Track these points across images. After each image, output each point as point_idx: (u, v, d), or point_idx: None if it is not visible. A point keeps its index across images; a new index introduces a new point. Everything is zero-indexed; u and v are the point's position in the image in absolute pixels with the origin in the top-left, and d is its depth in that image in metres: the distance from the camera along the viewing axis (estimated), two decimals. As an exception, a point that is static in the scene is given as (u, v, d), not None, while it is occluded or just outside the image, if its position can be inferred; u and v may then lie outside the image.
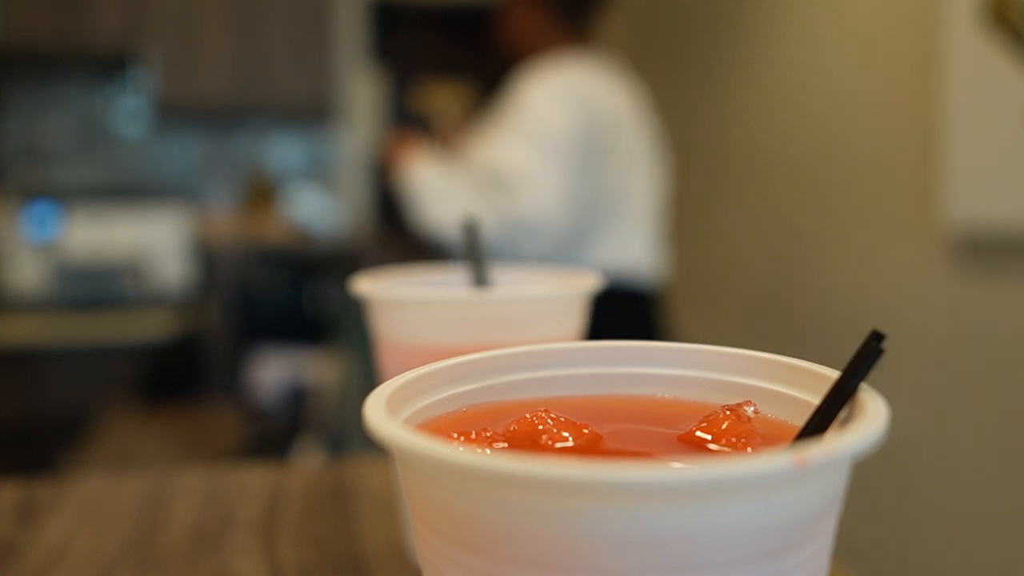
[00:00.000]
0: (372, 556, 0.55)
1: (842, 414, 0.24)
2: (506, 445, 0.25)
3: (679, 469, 0.18)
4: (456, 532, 0.21)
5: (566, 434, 0.26)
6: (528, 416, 0.26)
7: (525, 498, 0.19)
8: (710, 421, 0.26)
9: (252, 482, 0.68)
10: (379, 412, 0.23)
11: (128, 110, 3.52)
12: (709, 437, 0.25)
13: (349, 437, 1.81)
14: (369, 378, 1.58)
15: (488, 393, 0.29)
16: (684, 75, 2.92)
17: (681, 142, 2.95)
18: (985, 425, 1.64)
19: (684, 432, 0.26)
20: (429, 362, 0.28)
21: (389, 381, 0.26)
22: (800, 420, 0.26)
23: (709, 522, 0.19)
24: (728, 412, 0.26)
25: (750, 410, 0.26)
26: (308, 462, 1.78)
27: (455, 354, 0.29)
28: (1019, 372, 1.56)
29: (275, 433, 2.19)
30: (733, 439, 0.25)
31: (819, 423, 0.24)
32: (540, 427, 0.26)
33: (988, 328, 1.63)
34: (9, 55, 3.15)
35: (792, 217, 2.26)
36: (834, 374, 0.26)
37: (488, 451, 0.24)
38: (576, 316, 0.51)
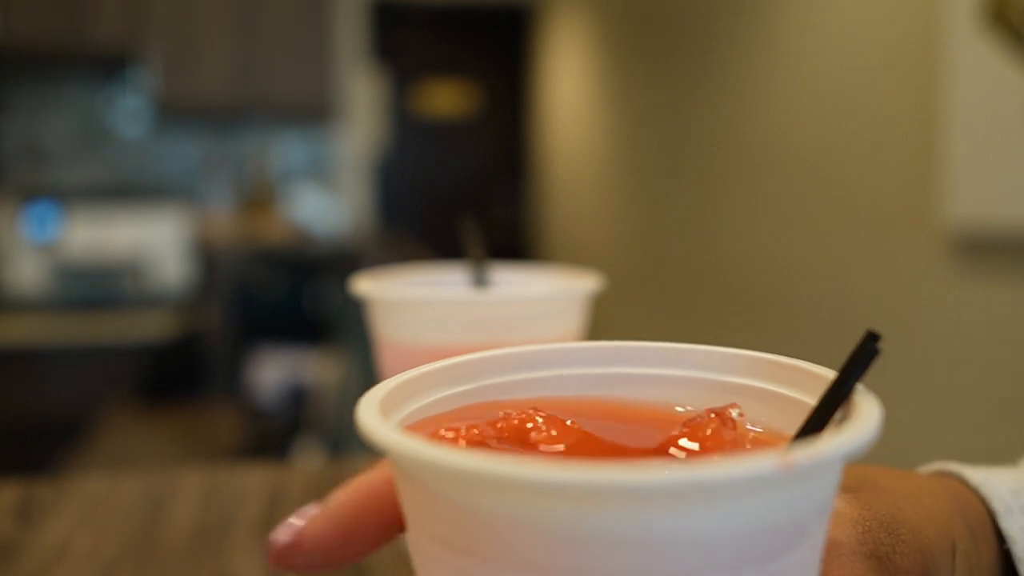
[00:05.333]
0: (372, 556, 0.55)
1: (838, 415, 0.24)
2: (494, 441, 0.25)
3: (658, 472, 0.18)
4: (446, 534, 0.21)
5: (554, 432, 0.26)
6: (515, 413, 0.26)
7: (511, 499, 0.19)
8: (693, 426, 0.26)
9: (252, 482, 0.67)
10: (371, 414, 0.23)
11: (128, 110, 3.52)
12: (695, 444, 0.25)
13: (349, 437, 1.81)
14: (369, 378, 1.59)
15: (484, 393, 0.29)
16: (679, 73, 2.92)
17: (677, 139, 2.95)
18: (984, 425, 1.64)
19: (669, 438, 0.26)
20: (429, 362, 0.28)
21: (384, 382, 0.26)
22: (795, 421, 0.26)
23: (695, 525, 0.19)
24: (713, 416, 0.26)
25: (735, 413, 0.26)
26: (308, 462, 1.78)
27: (455, 354, 0.29)
28: (1018, 371, 1.56)
29: (275, 433, 2.19)
30: (719, 443, 0.25)
31: (814, 425, 0.24)
32: (529, 425, 0.26)
33: (987, 327, 1.63)
34: (9, 55, 3.16)
35: (791, 216, 2.26)
36: (830, 374, 0.25)
37: (475, 450, 0.24)
38: (576, 316, 0.51)
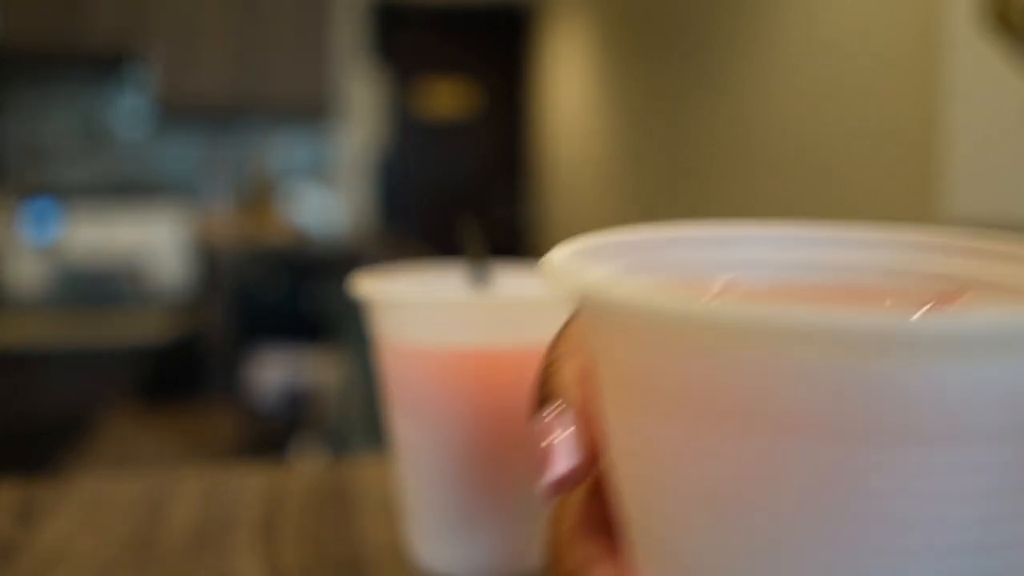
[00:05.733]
0: (372, 556, 0.55)
1: None
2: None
3: (928, 319, 0.15)
4: (674, 395, 0.18)
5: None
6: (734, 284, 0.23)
7: (768, 346, 0.16)
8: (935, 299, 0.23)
9: (252, 482, 0.67)
10: (571, 262, 0.20)
11: (128, 109, 3.52)
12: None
13: (349, 437, 1.81)
14: (369, 378, 1.59)
15: (682, 266, 0.26)
16: (679, 73, 2.92)
17: (677, 139, 2.95)
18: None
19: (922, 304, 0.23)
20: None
21: (565, 243, 0.23)
22: None
23: (955, 380, 0.16)
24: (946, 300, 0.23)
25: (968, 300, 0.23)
26: (308, 462, 1.78)
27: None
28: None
29: (275, 433, 2.19)
30: None
31: None
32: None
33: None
34: (9, 55, 3.16)
35: (791, 215, 2.26)
36: None
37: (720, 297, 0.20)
38: (576, 316, 0.51)
